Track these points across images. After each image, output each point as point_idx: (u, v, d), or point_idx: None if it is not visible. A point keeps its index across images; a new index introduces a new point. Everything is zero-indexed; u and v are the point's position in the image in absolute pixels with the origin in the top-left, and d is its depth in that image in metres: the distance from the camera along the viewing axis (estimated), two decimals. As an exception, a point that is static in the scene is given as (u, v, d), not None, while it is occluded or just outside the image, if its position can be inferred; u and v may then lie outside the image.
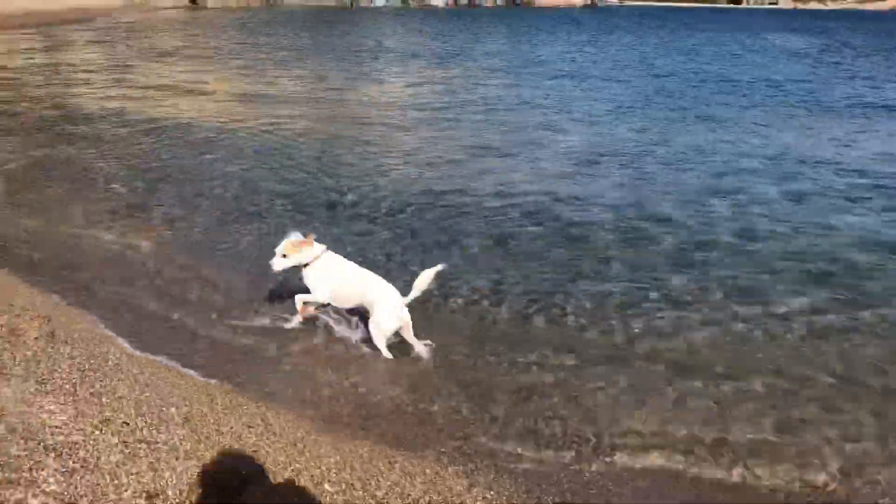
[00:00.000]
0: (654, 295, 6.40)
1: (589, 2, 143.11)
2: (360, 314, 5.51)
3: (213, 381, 4.64)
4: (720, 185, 10.14)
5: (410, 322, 5.24)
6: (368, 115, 15.64)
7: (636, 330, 5.78)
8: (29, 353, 4.32)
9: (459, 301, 6.18)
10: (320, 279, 5.31)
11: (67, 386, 3.96)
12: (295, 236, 5.30)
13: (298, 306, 5.39)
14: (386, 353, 5.19)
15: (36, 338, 4.56)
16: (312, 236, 5.31)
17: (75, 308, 5.55)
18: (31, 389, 3.83)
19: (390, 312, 5.14)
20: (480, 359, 5.25)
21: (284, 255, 5.26)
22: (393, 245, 7.47)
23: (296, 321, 5.49)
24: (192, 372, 4.73)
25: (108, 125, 13.52)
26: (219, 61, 27.41)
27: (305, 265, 5.33)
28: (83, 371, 4.23)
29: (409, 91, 19.69)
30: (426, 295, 5.36)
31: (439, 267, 5.25)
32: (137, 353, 4.95)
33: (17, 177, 9.71)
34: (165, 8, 77.65)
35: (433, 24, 63.03)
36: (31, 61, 25.42)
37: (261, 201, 8.82)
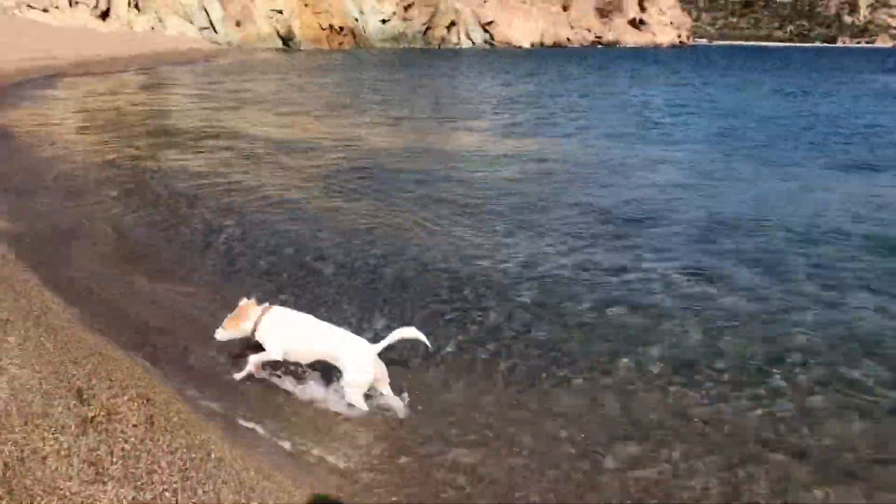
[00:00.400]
0: (724, 366, 5.78)
1: (677, 41, 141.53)
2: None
3: (314, 486, 4.18)
4: (811, 248, 9.12)
5: (386, 373, 5.07)
6: (449, 166, 14.91)
7: (711, 409, 5.21)
8: (127, 445, 3.93)
9: (514, 374, 5.71)
10: (271, 339, 5.18)
11: (168, 493, 3.53)
12: (242, 302, 5.31)
13: (252, 367, 5.27)
14: (362, 406, 4.96)
15: (135, 425, 4.18)
16: (245, 302, 5.29)
17: (169, 382, 5.19)
18: (129, 497, 3.42)
19: (362, 367, 4.93)
20: (545, 443, 4.78)
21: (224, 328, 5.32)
22: (442, 305, 7.02)
23: (244, 374, 5.30)
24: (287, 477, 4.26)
25: (195, 178, 13.47)
26: (309, 104, 27.80)
27: (253, 331, 5.25)
28: (184, 471, 3.80)
29: (490, 139, 19.27)
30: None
31: (424, 339, 5.09)
32: (235, 438, 4.55)
33: (105, 233, 9.65)
34: (261, 50, 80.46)
35: (520, 65, 63.05)
36: (131, 102, 26.32)
37: (343, 263, 8.44)
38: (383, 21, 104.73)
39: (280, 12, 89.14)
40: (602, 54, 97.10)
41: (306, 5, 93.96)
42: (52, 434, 3.87)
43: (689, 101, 30.95)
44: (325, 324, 5.28)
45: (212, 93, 31.63)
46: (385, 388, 5.07)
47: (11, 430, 3.88)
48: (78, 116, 21.79)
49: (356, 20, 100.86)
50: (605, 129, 20.87)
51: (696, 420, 5.09)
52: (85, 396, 4.42)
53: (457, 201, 11.38)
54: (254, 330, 5.25)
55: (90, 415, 4.18)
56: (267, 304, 5.35)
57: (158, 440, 4.10)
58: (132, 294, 7.18)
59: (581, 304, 7.18)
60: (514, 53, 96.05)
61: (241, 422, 4.81)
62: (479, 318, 6.77)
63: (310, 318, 5.32)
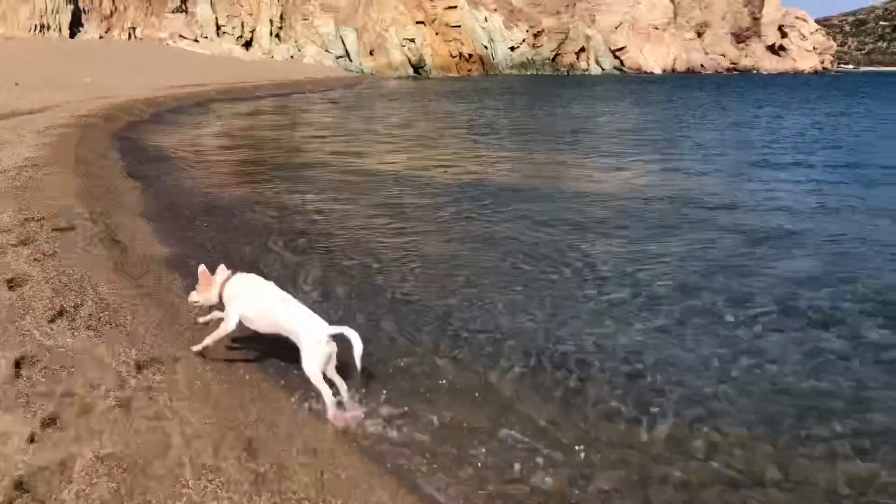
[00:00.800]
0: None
1: (819, 68, 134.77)
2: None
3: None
4: None
5: (335, 356, 4.92)
6: (566, 204, 13.55)
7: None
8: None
9: (651, 428, 4.91)
10: (230, 306, 5.30)
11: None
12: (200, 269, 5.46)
13: (210, 342, 5.40)
14: (326, 393, 4.81)
15: (306, 485, 3.92)
16: (202, 269, 5.44)
17: (330, 428, 4.92)
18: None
19: (317, 346, 4.83)
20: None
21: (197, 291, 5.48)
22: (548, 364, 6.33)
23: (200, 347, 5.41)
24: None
25: (329, 211, 13.46)
26: (435, 133, 27.88)
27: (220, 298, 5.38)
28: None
29: (615, 174, 18.43)
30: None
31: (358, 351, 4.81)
32: (410, 500, 4.20)
33: (259, 260, 9.65)
34: (392, 78, 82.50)
35: (653, 91, 61.55)
36: (270, 127, 27.24)
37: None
38: (512, 48, 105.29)
39: (412, 41, 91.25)
40: (738, 81, 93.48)
41: (437, 34, 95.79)
42: (226, 493, 3.67)
43: (830, 132, 28.95)
44: (288, 296, 5.32)
45: (344, 120, 32.41)
46: (331, 369, 4.94)
47: (185, 485, 3.71)
48: (224, 140, 22.66)
49: (485, 47, 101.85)
50: (738, 164, 19.40)
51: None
52: (254, 447, 4.22)
53: (568, 248, 10.48)
54: (220, 296, 5.38)
55: (261, 471, 3.95)
56: (230, 272, 5.45)
57: (331, 503, 3.82)
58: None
59: (706, 360, 6.44)
60: (645, 80, 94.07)
61: (417, 480, 4.44)
62: (598, 384, 6.14)
63: (271, 286, 5.40)
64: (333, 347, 4.91)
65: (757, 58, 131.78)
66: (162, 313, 6.46)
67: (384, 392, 5.26)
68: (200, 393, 4.79)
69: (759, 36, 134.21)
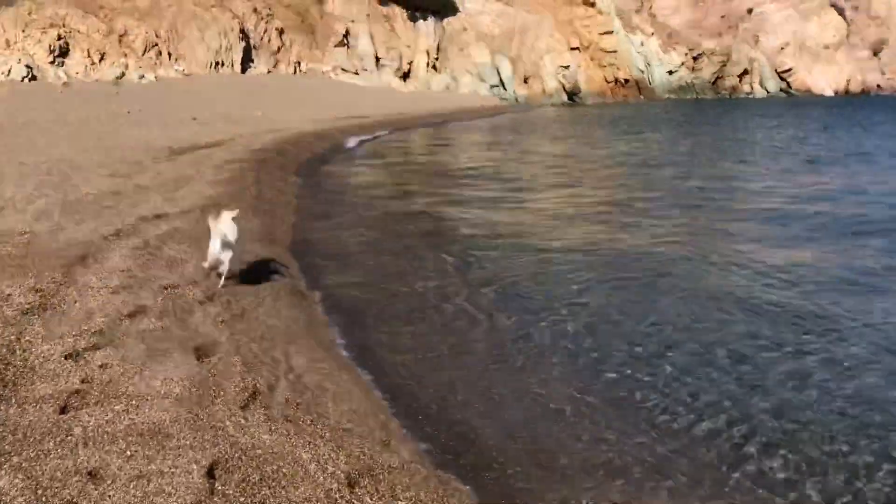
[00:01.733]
0: None
1: None
2: None
3: None
4: None
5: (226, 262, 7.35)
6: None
7: None
8: None
9: None
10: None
11: None
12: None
13: None
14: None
15: None
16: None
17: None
18: None
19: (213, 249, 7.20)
20: None
21: None
22: None
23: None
24: None
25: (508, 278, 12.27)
26: (588, 173, 26.36)
27: None
28: None
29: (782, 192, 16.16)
30: None
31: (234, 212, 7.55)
32: None
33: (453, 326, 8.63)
34: (547, 105, 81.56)
35: (840, 114, 56.82)
36: (441, 158, 26.71)
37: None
38: (670, 72, 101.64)
39: (566, 67, 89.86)
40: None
41: (592, 59, 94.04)
42: None
43: None
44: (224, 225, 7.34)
45: (507, 156, 31.52)
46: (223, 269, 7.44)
47: None
48: (385, 176, 21.98)
49: (642, 72, 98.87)
50: None
51: None
52: None
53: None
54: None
55: None
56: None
57: None
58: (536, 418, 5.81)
59: None
60: (818, 102, 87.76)
61: None
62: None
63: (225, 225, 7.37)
64: (227, 255, 7.30)
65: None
66: (361, 396, 5.54)
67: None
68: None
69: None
